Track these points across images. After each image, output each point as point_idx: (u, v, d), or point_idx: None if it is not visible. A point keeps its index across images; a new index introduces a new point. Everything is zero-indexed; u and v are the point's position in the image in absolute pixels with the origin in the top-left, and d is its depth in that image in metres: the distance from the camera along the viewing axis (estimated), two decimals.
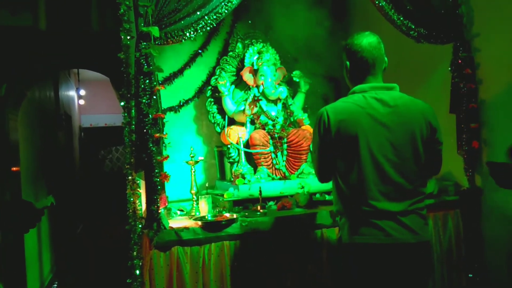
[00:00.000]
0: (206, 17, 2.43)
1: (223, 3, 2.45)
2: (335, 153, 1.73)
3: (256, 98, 3.32)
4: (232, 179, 3.16)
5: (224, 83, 3.36)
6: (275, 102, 3.40)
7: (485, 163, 2.71)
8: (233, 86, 3.51)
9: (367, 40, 1.76)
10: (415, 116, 1.72)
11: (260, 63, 3.34)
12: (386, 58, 1.81)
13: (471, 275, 2.76)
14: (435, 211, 2.75)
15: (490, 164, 2.24)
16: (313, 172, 3.21)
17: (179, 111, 3.64)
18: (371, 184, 1.65)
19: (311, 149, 3.30)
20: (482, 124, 2.81)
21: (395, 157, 1.67)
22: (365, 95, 1.72)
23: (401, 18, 2.69)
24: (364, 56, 1.75)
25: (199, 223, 2.42)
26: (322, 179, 1.89)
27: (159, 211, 2.29)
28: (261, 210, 2.66)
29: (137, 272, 2.19)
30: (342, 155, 1.71)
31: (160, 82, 3.18)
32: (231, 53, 3.57)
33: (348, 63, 1.81)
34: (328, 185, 1.93)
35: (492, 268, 2.76)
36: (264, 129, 3.29)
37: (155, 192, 2.26)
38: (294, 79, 3.55)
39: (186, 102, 3.65)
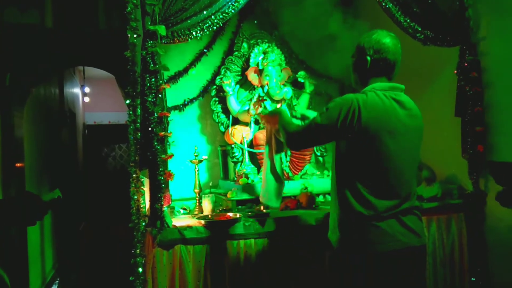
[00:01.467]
0: (212, 16, 2.44)
1: (229, 3, 2.46)
2: (353, 150, 1.69)
3: (260, 98, 3.32)
4: (236, 178, 3.16)
5: (229, 82, 3.36)
6: (279, 102, 3.40)
7: (486, 164, 2.70)
8: (238, 86, 3.51)
9: (392, 41, 1.74)
10: (419, 123, 1.77)
11: (265, 63, 3.34)
12: None
13: (474, 279, 2.75)
14: (439, 215, 2.74)
15: (490, 163, 2.24)
16: (317, 173, 3.21)
17: (183, 110, 3.64)
18: (387, 183, 1.66)
19: (315, 150, 3.30)
20: (488, 127, 2.80)
21: (409, 158, 1.70)
22: (386, 94, 1.70)
23: (408, 20, 2.69)
24: (389, 57, 1.73)
25: (202, 222, 2.42)
26: (298, 146, 1.96)
27: (163, 210, 2.30)
28: (264, 210, 2.66)
29: (140, 270, 2.19)
30: (362, 154, 1.67)
31: (165, 80, 3.19)
32: (236, 52, 3.57)
33: (369, 59, 1.75)
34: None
35: (495, 272, 2.75)
36: None
37: (159, 190, 2.27)
38: (299, 79, 3.55)
39: (191, 101, 3.65)
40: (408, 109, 1.71)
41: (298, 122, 2.33)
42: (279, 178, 2.39)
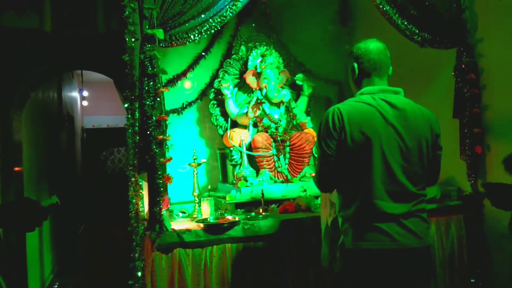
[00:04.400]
0: (210, 20, 2.44)
1: (227, 6, 2.46)
2: (345, 154, 1.70)
3: (259, 101, 3.32)
4: (235, 181, 3.16)
5: (227, 85, 3.37)
6: (278, 105, 3.40)
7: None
8: (236, 88, 3.52)
9: (374, 44, 1.81)
10: (421, 121, 1.74)
11: (263, 66, 3.35)
12: (391, 67, 1.84)
13: (473, 280, 2.75)
14: (438, 216, 2.74)
15: (485, 185, 2.22)
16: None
17: (182, 113, 3.65)
18: (380, 185, 1.65)
19: (314, 152, 3.30)
20: (486, 129, 2.81)
21: (402, 159, 1.68)
22: (374, 97, 1.73)
23: (405, 23, 2.70)
24: (372, 58, 1.78)
25: (201, 225, 2.42)
26: (326, 186, 1.83)
27: (162, 213, 2.29)
28: (263, 213, 2.66)
29: (139, 273, 2.19)
30: (353, 156, 1.69)
31: (163, 84, 3.19)
32: (234, 56, 3.58)
33: (356, 65, 1.82)
34: None
35: (496, 273, 2.75)
36: (266, 132, 3.29)
37: (157, 193, 2.26)
38: (297, 82, 3.55)
39: (189, 104, 3.66)
40: (401, 110, 1.71)
41: None
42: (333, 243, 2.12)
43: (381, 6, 2.67)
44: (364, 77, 1.81)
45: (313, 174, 2.03)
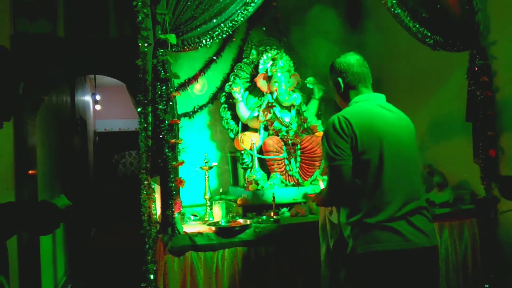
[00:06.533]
0: (222, 24, 2.47)
1: (239, 11, 2.48)
2: (354, 159, 1.70)
3: (270, 105, 3.33)
4: (246, 185, 3.17)
5: (238, 89, 3.38)
6: (288, 108, 3.40)
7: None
8: (247, 92, 3.53)
9: (354, 57, 1.88)
10: (409, 124, 1.83)
11: (274, 70, 3.35)
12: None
13: (487, 285, 2.72)
14: (451, 220, 2.72)
15: (498, 178, 2.24)
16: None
17: (193, 117, 3.67)
18: (388, 185, 1.68)
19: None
20: (499, 132, 2.78)
21: (406, 159, 1.74)
22: (370, 103, 1.80)
23: (417, 26, 2.69)
24: (355, 71, 1.85)
25: (213, 228, 2.43)
26: (342, 197, 1.76)
27: (174, 216, 2.31)
28: (274, 217, 2.66)
29: (152, 276, 2.21)
30: (361, 161, 1.70)
31: (175, 88, 3.22)
32: (245, 59, 3.59)
33: (340, 79, 1.88)
34: None
35: (510, 278, 2.71)
36: (277, 135, 3.30)
37: (170, 197, 2.28)
38: (308, 85, 3.55)
39: (201, 108, 3.68)
40: (395, 112, 1.81)
41: None
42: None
43: (392, 9, 2.67)
44: (350, 89, 1.88)
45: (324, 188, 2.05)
